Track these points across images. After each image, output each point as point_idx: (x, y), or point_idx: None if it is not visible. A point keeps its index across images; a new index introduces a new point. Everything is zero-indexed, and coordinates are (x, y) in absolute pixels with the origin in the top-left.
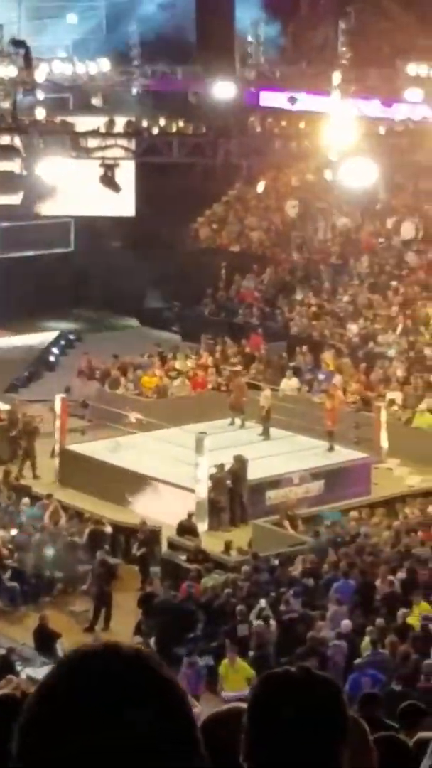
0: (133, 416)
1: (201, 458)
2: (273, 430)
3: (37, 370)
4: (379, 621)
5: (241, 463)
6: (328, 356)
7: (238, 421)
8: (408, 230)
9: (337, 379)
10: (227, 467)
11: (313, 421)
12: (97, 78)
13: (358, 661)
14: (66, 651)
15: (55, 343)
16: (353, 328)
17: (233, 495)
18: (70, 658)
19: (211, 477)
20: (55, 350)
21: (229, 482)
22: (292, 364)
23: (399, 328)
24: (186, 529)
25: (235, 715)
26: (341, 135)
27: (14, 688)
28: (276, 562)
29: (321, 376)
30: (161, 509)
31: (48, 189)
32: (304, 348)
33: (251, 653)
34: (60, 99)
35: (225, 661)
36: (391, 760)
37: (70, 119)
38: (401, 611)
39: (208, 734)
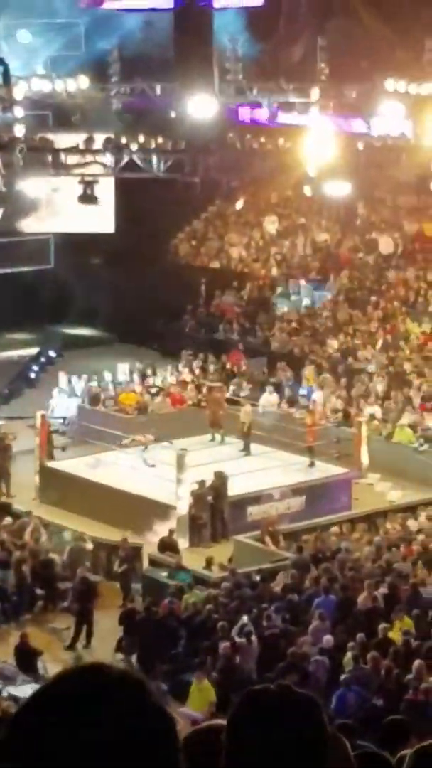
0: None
1: (182, 475)
2: (253, 446)
3: (17, 387)
4: (361, 636)
5: (221, 479)
6: (308, 372)
7: (218, 437)
8: (387, 245)
9: (318, 394)
10: (208, 483)
11: (294, 437)
12: (76, 95)
13: (343, 677)
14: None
15: (35, 359)
16: (333, 343)
17: (214, 511)
18: (58, 678)
19: (192, 493)
20: (35, 367)
21: (210, 498)
22: (272, 379)
23: (379, 344)
24: (167, 545)
25: (215, 731)
26: (320, 151)
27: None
28: (257, 578)
29: (302, 392)
30: (142, 526)
31: (28, 206)
32: (283, 363)
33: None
34: (39, 116)
35: (195, 680)
36: None
37: (49, 136)
38: (382, 626)
39: (188, 751)
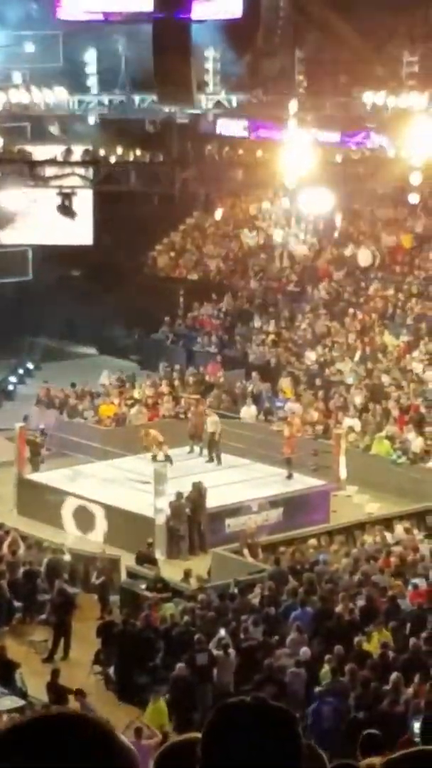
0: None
1: (160, 487)
2: (231, 458)
3: None
4: (338, 648)
5: (199, 491)
6: (284, 383)
7: (196, 448)
8: (365, 258)
9: (296, 406)
10: (186, 495)
11: (272, 449)
12: (54, 107)
13: (318, 689)
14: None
15: (13, 372)
16: (311, 355)
17: (191, 523)
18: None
19: (170, 504)
20: (13, 379)
21: (187, 510)
22: (251, 388)
23: (357, 356)
24: (145, 557)
25: (192, 744)
26: (298, 163)
27: None
28: (235, 590)
29: (278, 404)
30: (119, 537)
31: (5, 217)
32: (254, 374)
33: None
34: (17, 128)
35: (151, 699)
36: None
37: (27, 148)
38: (358, 638)
39: (164, 764)
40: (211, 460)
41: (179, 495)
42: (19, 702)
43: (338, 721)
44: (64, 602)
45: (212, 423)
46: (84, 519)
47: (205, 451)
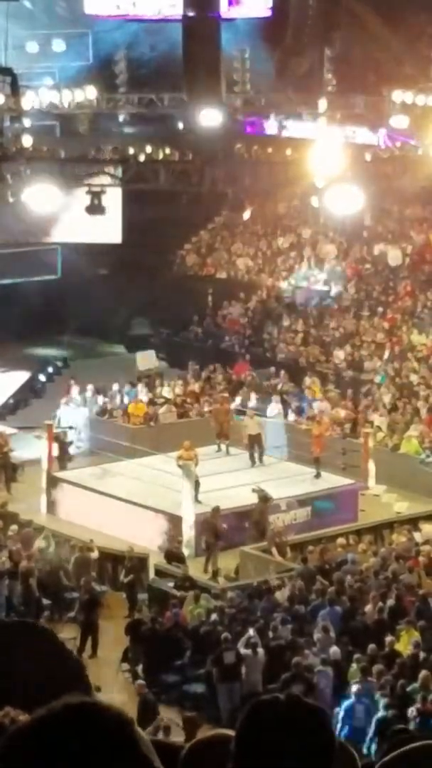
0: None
1: (189, 485)
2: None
3: (23, 397)
4: (371, 647)
5: (265, 498)
6: (309, 382)
7: (224, 447)
8: (395, 257)
9: (324, 405)
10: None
11: (300, 448)
12: (84, 105)
13: (352, 688)
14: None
15: (41, 370)
16: (340, 354)
17: (257, 530)
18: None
19: (203, 520)
20: (41, 377)
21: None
22: (279, 386)
23: (386, 355)
24: (173, 556)
25: (221, 741)
26: (327, 162)
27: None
28: (264, 588)
29: (306, 403)
30: (148, 536)
31: (35, 216)
32: (282, 373)
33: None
34: (47, 126)
35: None
36: None
37: (57, 146)
38: (389, 638)
39: (193, 761)
40: (252, 461)
41: (216, 509)
42: None
43: (368, 720)
44: (91, 600)
45: (256, 425)
46: (112, 517)
47: (233, 450)
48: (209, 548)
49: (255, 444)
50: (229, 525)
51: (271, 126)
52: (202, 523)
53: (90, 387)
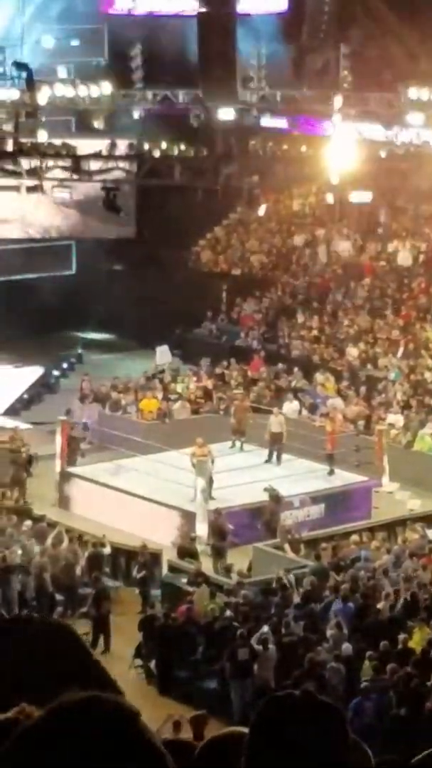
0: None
1: (202, 481)
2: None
3: (37, 392)
4: (384, 644)
5: (277, 498)
6: (321, 379)
7: (238, 443)
8: (405, 258)
9: (338, 402)
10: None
11: (314, 445)
12: (99, 101)
13: (363, 685)
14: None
15: (56, 365)
16: (353, 351)
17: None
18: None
19: (210, 523)
20: (55, 373)
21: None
22: (293, 384)
23: (400, 352)
24: (186, 552)
25: (235, 738)
26: (342, 159)
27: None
28: (276, 585)
29: (319, 400)
30: (161, 532)
31: (50, 212)
32: (296, 370)
33: None
34: (62, 122)
35: None
36: None
37: (72, 142)
38: (402, 636)
39: (207, 758)
40: (270, 459)
41: (217, 512)
42: None
43: (380, 718)
44: (101, 595)
45: (278, 423)
46: (125, 513)
47: (247, 447)
48: (217, 551)
49: (276, 442)
50: (242, 522)
51: (286, 123)
52: (208, 525)
53: (104, 382)
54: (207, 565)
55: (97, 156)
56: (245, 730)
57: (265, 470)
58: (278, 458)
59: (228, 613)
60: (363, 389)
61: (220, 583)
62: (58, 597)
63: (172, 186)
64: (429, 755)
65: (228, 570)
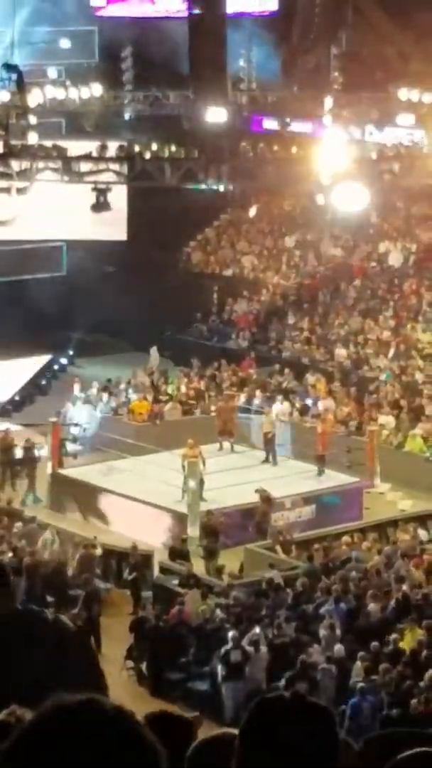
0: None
1: (193, 483)
2: (263, 455)
3: (29, 394)
4: (375, 645)
5: (268, 499)
6: (312, 380)
7: (226, 445)
8: (396, 259)
9: (329, 403)
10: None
11: (305, 446)
12: (90, 103)
13: (359, 686)
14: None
15: (47, 367)
16: (344, 352)
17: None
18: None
19: (201, 524)
20: (47, 374)
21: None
22: (285, 385)
23: (391, 353)
24: (178, 553)
25: (226, 739)
26: (333, 159)
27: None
28: (267, 586)
29: (309, 401)
30: (152, 533)
31: (41, 213)
32: (287, 371)
33: None
34: (52, 123)
35: None
36: None
37: (62, 143)
38: (393, 636)
39: (198, 759)
40: (267, 460)
41: (209, 513)
42: None
43: (373, 718)
44: (91, 596)
45: (269, 423)
46: (116, 514)
47: (237, 447)
48: (209, 553)
49: (268, 442)
50: (234, 523)
51: (276, 124)
52: (201, 528)
53: (95, 384)
54: (198, 567)
55: (87, 158)
56: (236, 732)
57: (257, 471)
58: (273, 458)
59: (219, 614)
60: (353, 390)
61: (211, 584)
62: (49, 598)
63: (162, 187)
64: (411, 757)
65: (219, 571)
